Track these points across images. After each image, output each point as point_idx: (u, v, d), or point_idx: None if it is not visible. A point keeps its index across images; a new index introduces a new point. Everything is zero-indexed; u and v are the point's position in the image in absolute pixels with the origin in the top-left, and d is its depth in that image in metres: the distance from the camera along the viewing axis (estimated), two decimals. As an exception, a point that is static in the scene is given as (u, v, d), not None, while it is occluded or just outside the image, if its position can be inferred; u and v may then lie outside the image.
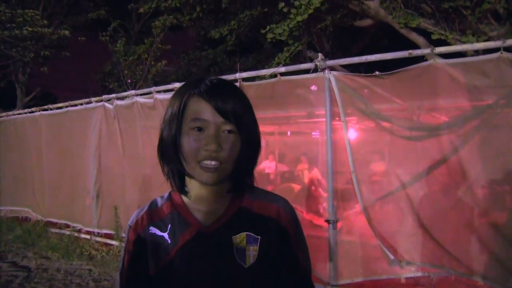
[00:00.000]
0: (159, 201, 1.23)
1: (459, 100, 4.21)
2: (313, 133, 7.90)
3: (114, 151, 6.94)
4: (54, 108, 8.21)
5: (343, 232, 4.60)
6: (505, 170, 3.84)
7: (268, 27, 8.24)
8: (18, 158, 9.15)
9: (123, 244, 1.23)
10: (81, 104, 7.56)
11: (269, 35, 8.22)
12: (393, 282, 4.35)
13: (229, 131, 1.08)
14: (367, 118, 4.63)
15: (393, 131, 4.43)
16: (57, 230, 7.66)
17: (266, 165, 7.78)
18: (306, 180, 7.27)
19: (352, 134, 4.78)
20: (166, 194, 1.24)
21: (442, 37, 6.57)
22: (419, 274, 4.19)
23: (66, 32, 11.76)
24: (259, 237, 1.14)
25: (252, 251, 1.13)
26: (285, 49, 8.90)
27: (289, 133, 8.79)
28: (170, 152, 1.12)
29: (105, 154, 7.10)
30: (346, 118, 4.47)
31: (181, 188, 1.17)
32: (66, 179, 7.83)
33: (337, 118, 4.63)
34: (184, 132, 1.09)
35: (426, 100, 4.82)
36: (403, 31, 7.53)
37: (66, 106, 7.86)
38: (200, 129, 1.07)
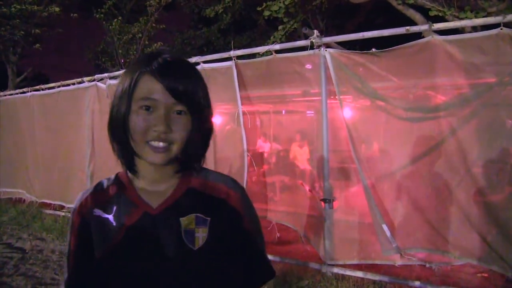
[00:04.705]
0: (105, 183, 1.20)
1: (457, 78, 4.15)
2: (307, 112, 7.85)
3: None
4: (46, 88, 8.11)
5: (339, 212, 4.59)
6: (504, 151, 3.80)
7: (264, 5, 8.14)
8: (11, 140, 9.07)
9: (69, 227, 1.19)
10: (73, 84, 7.47)
11: (266, 13, 8.14)
12: (389, 266, 4.36)
13: (180, 112, 1.04)
14: (362, 97, 4.56)
15: (388, 110, 4.38)
16: (51, 211, 7.66)
17: (259, 145, 7.74)
18: (300, 159, 7.27)
19: (347, 112, 4.73)
20: (113, 176, 1.21)
21: (440, 14, 6.47)
22: (418, 262, 4.18)
23: (56, 9, 11.53)
24: (209, 218, 1.11)
25: (201, 233, 1.09)
26: (280, 27, 8.81)
27: (283, 111, 8.73)
28: (119, 131, 1.08)
29: (99, 134, 7.02)
30: (341, 97, 4.41)
31: (131, 168, 1.14)
32: (59, 160, 7.78)
33: (332, 97, 4.57)
34: (133, 110, 1.04)
35: (423, 79, 4.75)
36: (400, 8, 7.43)
37: (58, 86, 7.77)
38: (149, 109, 1.03)
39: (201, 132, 1.09)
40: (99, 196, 1.17)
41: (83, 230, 1.14)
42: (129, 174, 1.17)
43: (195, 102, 1.05)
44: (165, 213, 1.10)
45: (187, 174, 1.16)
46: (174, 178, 1.15)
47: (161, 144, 1.02)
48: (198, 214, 1.11)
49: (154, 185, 1.13)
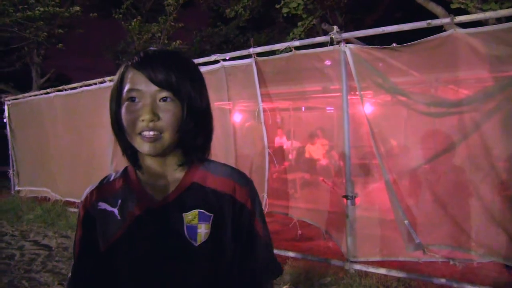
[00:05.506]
0: (113, 176, 1.21)
1: (481, 72, 4.07)
2: (327, 108, 7.83)
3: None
4: (68, 88, 8.23)
5: (361, 208, 4.56)
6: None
7: (282, 2, 8.11)
8: (35, 140, 9.24)
9: (76, 219, 1.21)
10: (95, 84, 7.57)
11: (285, 9, 8.11)
12: (412, 263, 4.31)
13: (166, 99, 1.04)
14: (383, 92, 4.52)
15: (410, 105, 4.33)
16: (75, 210, 7.77)
17: (280, 141, 7.73)
18: (315, 156, 7.26)
19: (368, 108, 4.69)
20: (122, 169, 1.22)
21: (462, 6, 6.30)
22: (442, 259, 4.11)
23: (77, 8, 11.71)
24: (212, 214, 1.10)
25: (204, 229, 1.08)
26: (299, 23, 8.78)
27: (303, 108, 8.72)
28: (115, 127, 1.11)
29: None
30: (362, 92, 4.37)
31: (135, 163, 1.15)
32: (83, 159, 7.90)
33: (352, 93, 4.54)
34: (122, 105, 1.07)
35: (445, 73, 4.68)
36: (420, 1, 7.30)
37: (81, 86, 7.89)
38: (134, 100, 1.05)
39: (194, 120, 1.09)
40: (105, 189, 1.18)
41: (87, 223, 1.16)
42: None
43: (180, 87, 1.05)
44: (168, 207, 1.10)
45: (192, 167, 1.15)
46: (179, 171, 1.14)
47: (151, 133, 1.03)
48: (201, 210, 1.09)
49: (159, 179, 1.14)
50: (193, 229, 1.08)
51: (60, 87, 8.45)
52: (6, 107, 9.99)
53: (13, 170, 9.98)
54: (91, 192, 1.19)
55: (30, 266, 5.17)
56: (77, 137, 8.05)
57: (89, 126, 7.75)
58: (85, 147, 7.85)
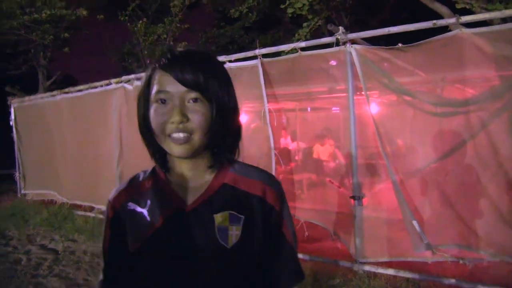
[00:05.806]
0: (141, 176, 1.20)
1: (487, 71, 4.06)
2: (333, 108, 7.82)
3: (135, 132, 6.85)
4: (75, 91, 8.25)
5: (368, 208, 4.54)
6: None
7: (287, 2, 8.09)
8: (41, 142, 9.25)
9: (104, 219, 1.20)
10: (101, 86, 7.58)
11: (290, 10, 8.09)
12: (421, 263, 4.28)
13: (195, 100, 1.03)
14: (390, 92, 4.51)
15: (415, 104, 4.32)
16: (82, 213, 7.79)
17: (286, 142, 7.71)
18: (323, 156, 7.25)
19: (374, 108, 4.68)
20: (149, 169, 1.21)
21: (467, 6, 6.28)
22: (451, 259, 4.08)
23: (84, 12, 11.77)
24: (243, 216, 1.10)
25: (235, 231, 1.08)
26: (305, 24, 8.77)
27: (309, 109, 8.71)
28: (144, 130, 1.11)
29: (127, 135, 7.11)
30: (368, 93, 4.36)
31: (164, 166, 1.15)
32: (89, 162, 7.91)
33: (358, 93, 4.53)
34: (150, 106, 1.07)
35: (451, 73, 4.67)
36: (425, 1, 7.27)
37: (87, 89, 7.90)
38: (164, 101, 1.04)
39: (223, 120, 1.07)
40: (134, 190, 1.17)
41: (116, 223, 1.15)
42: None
43: (209, 88, 1.04)
44: (198, 209, 1.09)
45: (222, 169, 1.15)
46: (208, 173, 1.14)
47: (181, 135, 1.02)
48: (232, 212, 1.09)
49: (189, 181, 1.13)
50: (224, 231, 1.08)
51: (66, 89, 8.47)
52: (12, 110, 10.01)
53: (19, 173, 9.99)
54: (120, 193, 1.18)
55: (37, 271, 5.15)
56: (83, 140, 8.05)
57: (95, 128, 7.76)
58: (91, 149, 7.86)
